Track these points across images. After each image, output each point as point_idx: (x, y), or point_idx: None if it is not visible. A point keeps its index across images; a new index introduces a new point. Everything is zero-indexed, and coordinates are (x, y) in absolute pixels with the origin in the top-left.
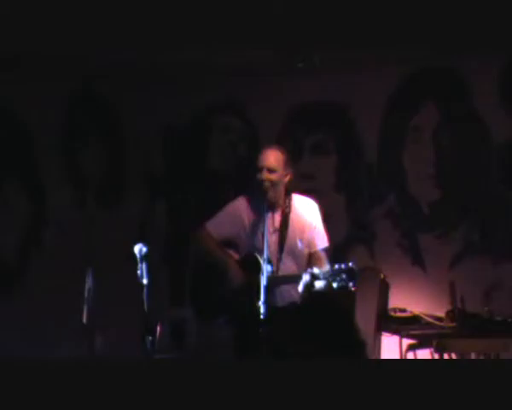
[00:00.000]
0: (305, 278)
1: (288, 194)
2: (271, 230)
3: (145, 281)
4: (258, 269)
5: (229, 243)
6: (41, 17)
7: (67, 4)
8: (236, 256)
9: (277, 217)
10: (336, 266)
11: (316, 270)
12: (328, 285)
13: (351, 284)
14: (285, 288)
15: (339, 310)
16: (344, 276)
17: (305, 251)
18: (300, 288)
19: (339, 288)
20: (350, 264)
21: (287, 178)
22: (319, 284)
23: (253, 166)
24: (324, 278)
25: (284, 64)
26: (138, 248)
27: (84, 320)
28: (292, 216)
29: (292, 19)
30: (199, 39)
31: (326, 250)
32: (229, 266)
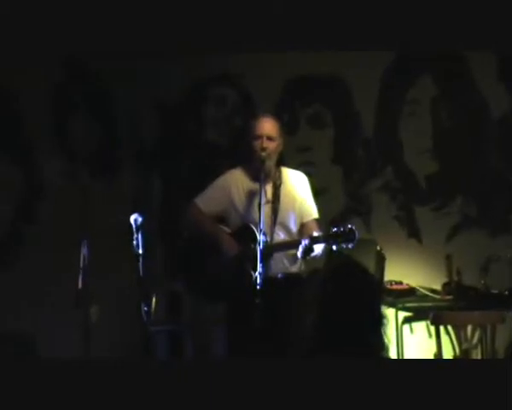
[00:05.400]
0: (304, 242)
1: (277, 166)
2: (263, 201)
3: (140, 251)
4: (251, 240)
5: (220, 218)
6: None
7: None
8: (228, 230)
9: (269, 189)
10: (335, 229)
11: (315, 233)
12: (327, 247)
13: (350, 246)
14: (278, 258)
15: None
16: (343, 237)
17: (297, 223)
18: (300, 253)
19: (337, 249)
20: (349, 225)
21: (280, 149)
22: (318, 248)
23: (246, 135)
24: (324, 241)
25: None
26: (134, 218)
27: (79, 286)
28: (283, 188)
29: (292, 19)
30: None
31: (316, 221)
32: (222, 240)
